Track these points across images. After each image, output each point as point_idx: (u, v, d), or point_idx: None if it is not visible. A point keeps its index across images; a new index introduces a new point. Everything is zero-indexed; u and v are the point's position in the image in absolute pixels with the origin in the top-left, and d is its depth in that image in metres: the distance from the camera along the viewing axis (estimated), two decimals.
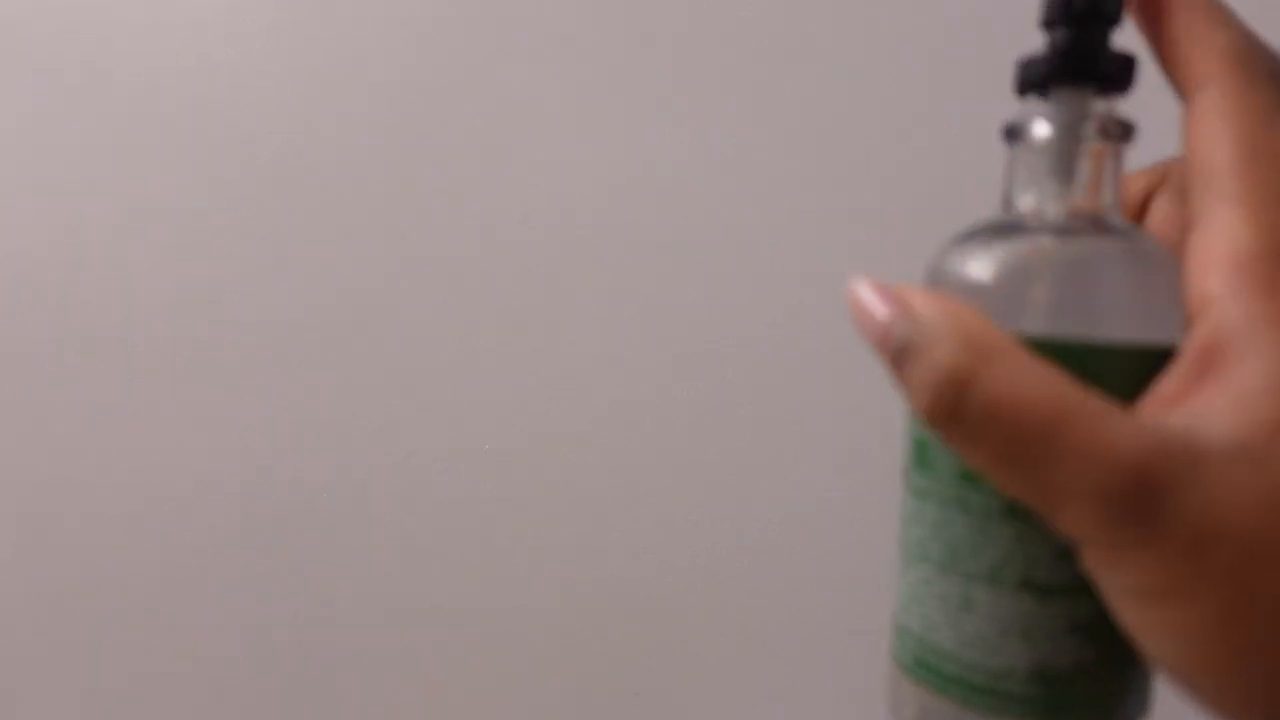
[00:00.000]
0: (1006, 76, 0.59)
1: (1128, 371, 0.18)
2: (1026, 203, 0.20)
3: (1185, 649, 0.16)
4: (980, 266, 0.19)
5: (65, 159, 0.66)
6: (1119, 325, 0.18)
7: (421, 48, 0.63)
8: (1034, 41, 0.56)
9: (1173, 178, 0.22)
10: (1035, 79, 0.20)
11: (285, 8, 0.64)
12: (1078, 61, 0.19)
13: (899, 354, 0.18)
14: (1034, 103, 0.20)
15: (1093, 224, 0.19)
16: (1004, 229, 0.20)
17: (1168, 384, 0.18)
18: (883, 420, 0.61)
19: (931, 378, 0.18)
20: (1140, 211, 0.23)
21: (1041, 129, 0.20)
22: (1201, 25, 0.19)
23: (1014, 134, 0.21)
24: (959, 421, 0.17)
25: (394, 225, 0.64)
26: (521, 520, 0.64)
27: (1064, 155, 0.20)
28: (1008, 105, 0.58)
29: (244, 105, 0.64)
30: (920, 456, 0.21)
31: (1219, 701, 0.17)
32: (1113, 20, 0.19)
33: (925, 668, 0.21)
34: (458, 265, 0.64)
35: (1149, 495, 0.16)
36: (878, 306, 0.18)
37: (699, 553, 0.63)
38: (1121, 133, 0.20)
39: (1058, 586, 0.19)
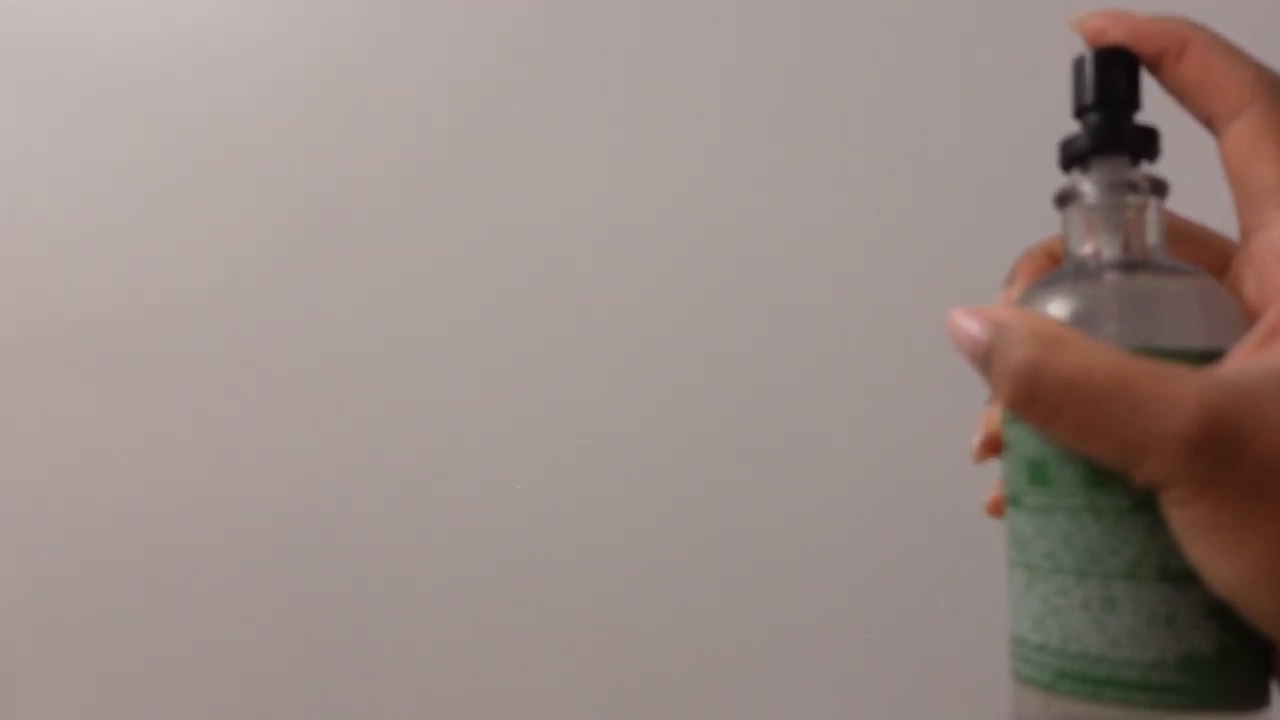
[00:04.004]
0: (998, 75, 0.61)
1: None
2: (1086, 251, 0.24)
3: (1245, 573, 0.19)
4: (1060, 301, 0.23)
5: (109, 190, 0.68)
6: (1174, 334, 0.22)
7: (449, 75, 0.65)
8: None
9: None
10: (1078, 154, 0.24)
11: (312, 46, 0.66)
12: (1111, 137, 0.24)
13: (986, 359, 0.21)
14: (1078, 175, 0.25)
15: (1144, 261, 0.23)
16: (1073, 272, 0.24)
17: (1234, 356, 0.21)
18: (895, 427, 0.62)
19: (1010, 369, 0.21)
20: None
21: (1091, 192, 0.24)
22: (1225, 63, 0.23)
23: (1066, 199, 0.25)
24: (1036, 402, 0.20)
25: (420, 253, 0.66)
26: (546, 533, 0.65)
27: (1111, 211, 0.24)
28: (994, 107, 0.60)
29: (271, 146, 0.66)
30: (1037, 476, 0.23)
31: (1276, 621, 0.19)
32: (1134, 105, 0.24)
33: (1072, 678, 0.22)
34: (481, 283, 0.65)
35: (1217, 434, 0.18)
36: (969, 324, 0.22)
37: (710, 561, 0.63)
38: (1153, 188, 0.24)
39: (1192, 572, 0.20)
